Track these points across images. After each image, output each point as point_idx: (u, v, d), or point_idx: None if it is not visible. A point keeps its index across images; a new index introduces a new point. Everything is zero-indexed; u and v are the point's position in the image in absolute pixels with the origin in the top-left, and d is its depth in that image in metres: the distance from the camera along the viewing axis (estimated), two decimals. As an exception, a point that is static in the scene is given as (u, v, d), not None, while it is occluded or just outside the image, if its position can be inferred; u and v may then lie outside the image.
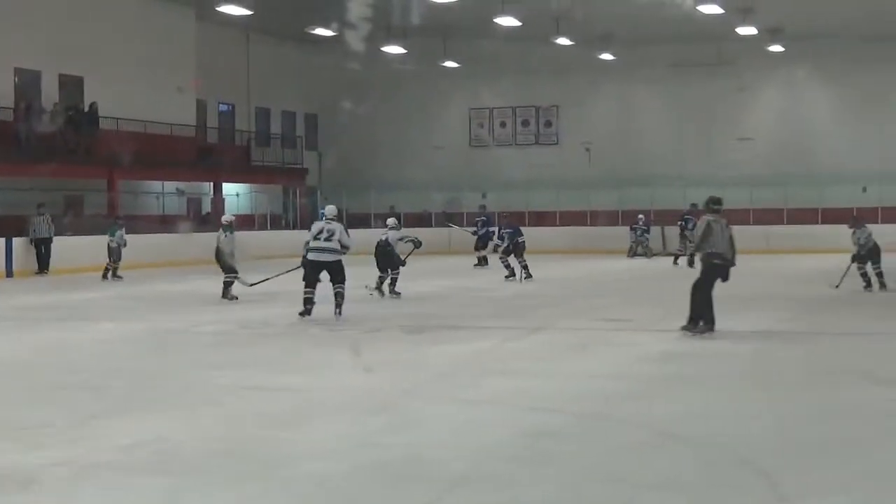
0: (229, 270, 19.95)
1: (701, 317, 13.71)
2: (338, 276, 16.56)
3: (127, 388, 10.35)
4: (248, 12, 35.72)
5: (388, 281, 20.63)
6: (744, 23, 38.44)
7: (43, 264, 29.11)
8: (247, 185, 43.68)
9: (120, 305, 19.78)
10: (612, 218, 41.24)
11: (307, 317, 16.18)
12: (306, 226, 43.76)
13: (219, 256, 20.21)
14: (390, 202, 45.01)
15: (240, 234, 36.13)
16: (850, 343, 13.55)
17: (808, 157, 42.91)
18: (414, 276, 24.48)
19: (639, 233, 36.80)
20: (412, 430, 8.16)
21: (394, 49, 42.22)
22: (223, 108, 45.10)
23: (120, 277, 26.86)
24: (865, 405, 9.06)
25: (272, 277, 20.19)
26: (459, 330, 15.10)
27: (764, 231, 37.22)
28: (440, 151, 47.93)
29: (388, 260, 20.67)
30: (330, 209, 17.60)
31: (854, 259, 20.91)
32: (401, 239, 21.23)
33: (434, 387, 10.21)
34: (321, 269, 16.57)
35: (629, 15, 39.02)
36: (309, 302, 16.32)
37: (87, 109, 34.91)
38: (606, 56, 43.96)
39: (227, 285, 19.93)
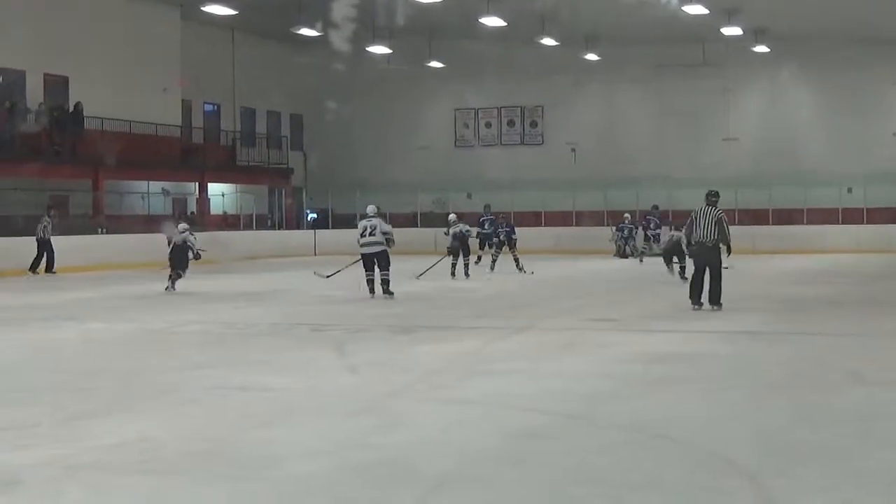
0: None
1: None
2: (383, 264, 19.91)
3: (112, 388, 10.33)
4: (234, 12, 35.76)
5: (462, 265, 25.35)
6: (729, 23, 38.55)
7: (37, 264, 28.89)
8: (232, 185, 43.70)
9: (105, 305, 19.73)
10: (597, 218, 41.29)
11: (372, 295, 19.80)
12: (292, 226, 44.40)
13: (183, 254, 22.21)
14: (375, 202, 45.02)
15: (226, 234, 36.46)
16: (836, 344, 13.57)
17: (794, 158, 43.05)
18: (399, 277, 24.50)
19: (626, 232, 36.87)
20: (398, 431, 8.15)
21: (379, 49, 42.26)
22: (208, 108, 45.11)
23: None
24: (851, 406, 9.05)
25: (343, 269, 22.48)
26: (445, 330, 15.10)
27: (749, 231, 37.30)
28: (425, 152, 48.01)
29: (466, 247, 25.61)
30: (370, 208, 21.08)
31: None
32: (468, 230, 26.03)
33: (420, 387, 10.20)
34: (372, 258, 19.96)
35: (614, 15, 39.11)
36: (370, 283, 20.00)
37: (71, 109, 34.88)
38: (591, 56, 44.04)
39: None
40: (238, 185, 43.91)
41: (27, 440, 7.90)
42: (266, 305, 19.34)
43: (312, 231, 43.73)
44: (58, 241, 30.02)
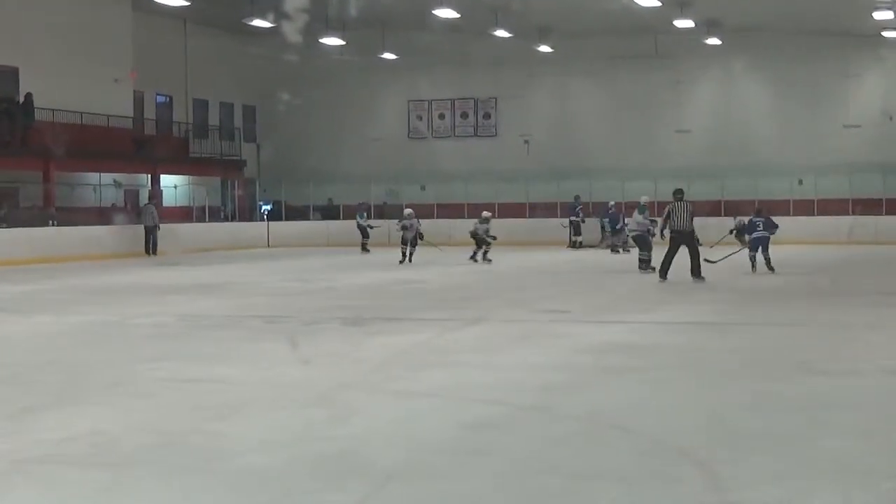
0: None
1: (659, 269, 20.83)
2: (643, 247, 24.47)
3: (61, 381, 10.25)
4: (186, 3, 35.54)
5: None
6: (681, 15, 38.67)
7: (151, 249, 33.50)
8: (184, 176, 43.46)
9: (56, 298, 19.59)
10: (550, 210, 41.35)
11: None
12: (244, 218, 44.15)
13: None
14: (329, 194, 45.01)
15: (177, 227, 36.27)
16: (786, 334, 13.67)
17: (745, 150, 43.34)
18: (352, 269, 24.44)
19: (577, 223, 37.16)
20: (350, 423, 8.14)
21: (332, 40, 42.16)
22: (160, 99, 44.81)
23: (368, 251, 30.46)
24: (801, 396, 9.13)
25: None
26: (397, 322, 15.08)
27: (700, 222, 37.40)
28: (378, 143, 47.93)
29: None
30: (645, 197, 26.25)
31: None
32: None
33: (372, 379, 10.19)
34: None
35: (567, 7, 39.25)
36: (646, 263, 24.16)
37: (22, 100, 34.53)
38: (544, 48, 44.09)
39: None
40: (191, 177, 43.66)
41: (-24, 434, 7.83)
42: (219, 297, 19.25)
43: (266, 223, 43.54)
44: (7, 234, 29.81)
